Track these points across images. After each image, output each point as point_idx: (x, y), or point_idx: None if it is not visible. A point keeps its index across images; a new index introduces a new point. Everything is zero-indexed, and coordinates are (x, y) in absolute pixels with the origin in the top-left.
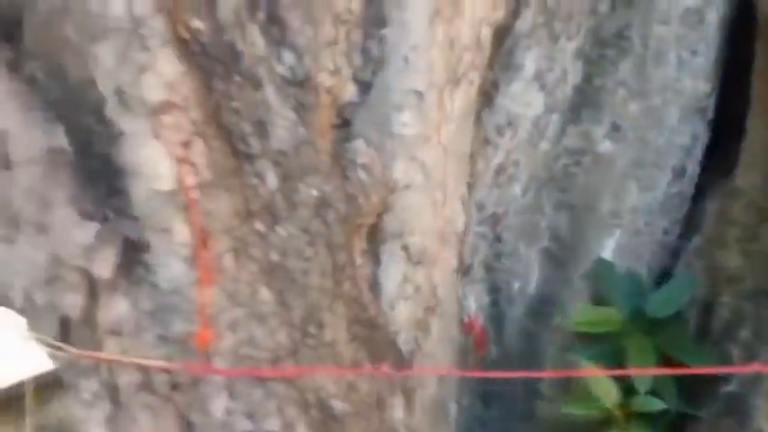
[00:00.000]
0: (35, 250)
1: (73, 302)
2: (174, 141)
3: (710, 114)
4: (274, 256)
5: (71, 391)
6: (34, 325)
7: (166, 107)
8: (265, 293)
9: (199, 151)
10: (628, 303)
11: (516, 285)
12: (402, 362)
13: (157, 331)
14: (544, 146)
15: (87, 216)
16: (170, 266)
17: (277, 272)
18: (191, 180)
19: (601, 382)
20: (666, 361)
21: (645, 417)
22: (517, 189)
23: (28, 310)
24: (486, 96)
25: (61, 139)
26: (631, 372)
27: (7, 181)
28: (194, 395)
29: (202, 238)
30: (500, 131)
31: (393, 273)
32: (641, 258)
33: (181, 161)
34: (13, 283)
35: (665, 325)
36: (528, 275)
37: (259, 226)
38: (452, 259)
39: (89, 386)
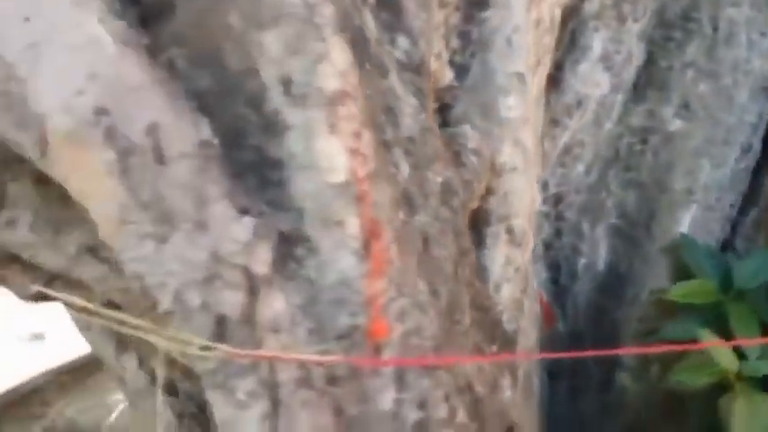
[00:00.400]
0: (192, 248)
1: (233, 301)
2: (347, 132)
3: None
4: (419, 245)
5: (221, 393)
6: (182, 326)
7: (341, 97)
8: (421, 283)
9: (366, 141)
10: (715, 276)
11: (581, 262)
12: (508, 342)
13: (317, 325)
14: (608, 125)
15: (243, 211)
16: (340, 260)
17: (425, 261)
18: (362, 171)
19: (720, 350)
20: (763, 328)
21: (753, 381)
22: (581, 168)
23: (177, 311)
24: (552, 78)
25: (207, 132)
26: (743, 341)
27: (160, 176)
28: (353, 388)
29: (374, 230)
30: (569, 112)
31: (497, 256)
32: (712, 233)
33: (353, 152)
34: (166, 284)
35: (752, 295)
36: (595, 252)
37: (402, 215)
38: (533, 238)
39: (245, 386)
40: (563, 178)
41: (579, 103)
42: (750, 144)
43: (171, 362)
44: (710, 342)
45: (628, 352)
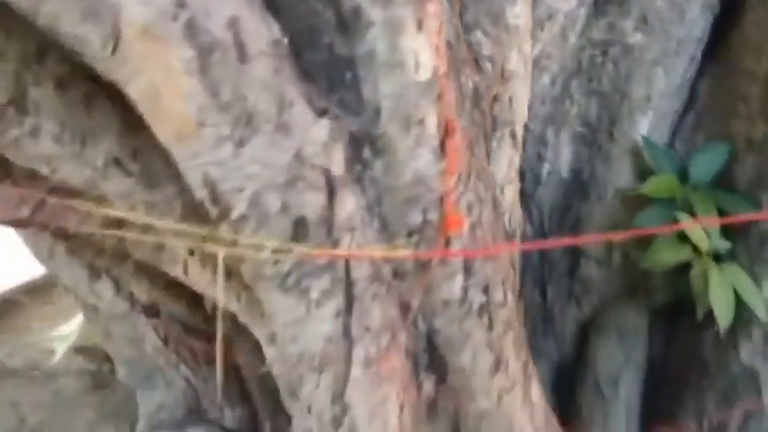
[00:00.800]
0: (274, 151)
1: (314, 202)
2: (432, 29)
3: (717, 9)
4: (464, 145)
5: (293, 295)
6: (257, 231)
7: None
8: (475, 178)
9: (443, 39)
10: (674, 172)
11: (546, 168)
12: (510, 239)
13: (386, 224)
14: (572, 38)
15: (320, 112)
16: (418, 158)
17: (473, 160)
18: (442, 68)
19: (695, 231)
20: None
21: (714, 257)
22: (546, 80)
23: (252, 216)
24: None
25: (276, 30)
26: (713, 220)
27: (242, 75)
28: (420, 280)
29: (449, 127)
30: (541, 25)
31: (503, 159)
32: (662, 136)
33: (437, 49)
34: (243, 188)
35: (704, 186)
36: (558, 159)
37: None
38: None
39: (320, 285)
40: (531, 90)
41: (550, 17)
42: (695, 55)
43: (155, 284)
44: (680, 225)
45: (615, 238)
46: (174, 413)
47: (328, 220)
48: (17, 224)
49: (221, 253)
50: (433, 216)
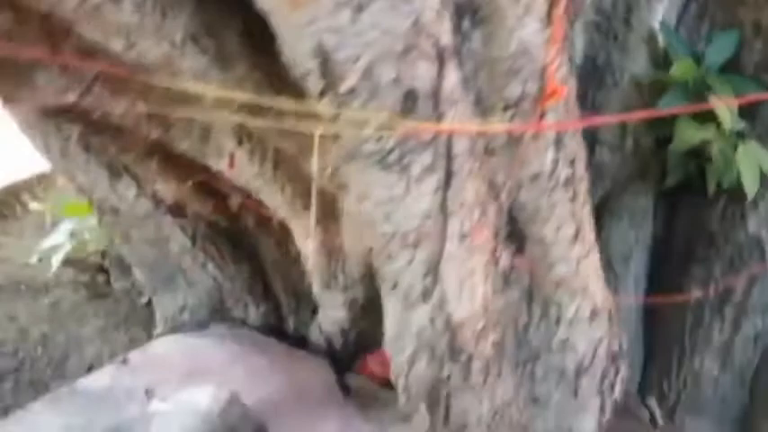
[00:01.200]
0: (394, 16)
1: (425, 74)
2: None
3: None
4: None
5: (394, 171)
6: (367, 105)
7: None
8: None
9: None
10: (689, 57)
11: None
12: None
13: (481, 97)
14: None
15: None
16: (525, 27)
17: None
18: None
19: (722, 110)
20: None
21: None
22: None
23: (362, 88)
24: None
25: None
26: (728, 101)
27: None
28: (511, 155)
29: None
30: None
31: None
32: (671, 24)
33: None
34: (359, 56)
35: (714, 70)
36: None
37: None
38: None
39: (421, 160)
40: None
41: None
42: None
43: (181, 182)
44: (705, 104)
45: (639, 117)
46: (195, 314)
47: (436, 93)
48: (58, 111)
49: (318, 131)
50: (532, 88)
